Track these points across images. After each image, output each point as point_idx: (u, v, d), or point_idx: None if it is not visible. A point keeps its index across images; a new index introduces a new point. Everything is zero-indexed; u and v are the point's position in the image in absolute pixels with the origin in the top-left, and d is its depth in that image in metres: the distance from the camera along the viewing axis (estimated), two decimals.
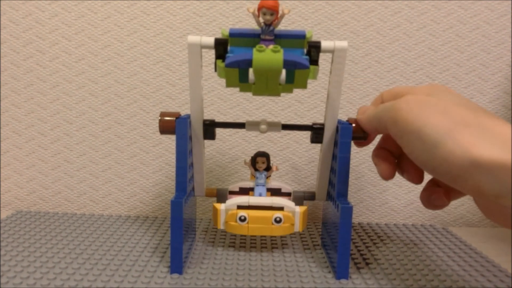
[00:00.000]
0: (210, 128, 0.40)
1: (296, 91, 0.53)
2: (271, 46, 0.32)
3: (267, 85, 0.32)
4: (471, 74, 0.53)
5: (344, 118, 0.40)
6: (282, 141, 0.54)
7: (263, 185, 0.41)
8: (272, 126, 0.39)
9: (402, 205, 0.55)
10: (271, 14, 0.32)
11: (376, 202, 0.55)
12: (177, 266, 0.36)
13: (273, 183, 0.42)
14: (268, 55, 0.31)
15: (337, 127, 0.38)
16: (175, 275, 0.36)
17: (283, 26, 0.50)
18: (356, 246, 0.45)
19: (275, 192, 0.42)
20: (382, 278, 0.37)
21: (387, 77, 0.53)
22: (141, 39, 0.52)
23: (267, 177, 0.42)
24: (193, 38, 0.35)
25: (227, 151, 0.54)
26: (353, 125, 0.37)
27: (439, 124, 0.27)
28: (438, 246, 0.45)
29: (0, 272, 0.35)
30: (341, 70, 0.36)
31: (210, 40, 0.35)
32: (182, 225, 0.35)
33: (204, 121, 0.39)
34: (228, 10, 0.52)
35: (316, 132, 0.39)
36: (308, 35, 0.34)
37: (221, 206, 0.40)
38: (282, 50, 0.32)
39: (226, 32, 0.34)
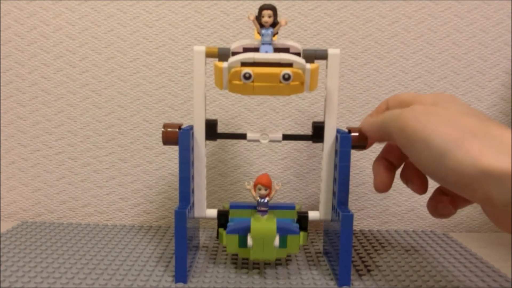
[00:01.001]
0: (212, 128, 0.40)
1: (296, 100, 0.53)
2: (265, 216, 0.38)
3: (263, 249, 0.37)
4: (469, 81, 0.54)
5: (343, 126, 0.40)
6: (283, 150, 0.54)
7: (270, 44, 0.37)
8: (273, 136, 0.40)
9: (402, 211, 0.55)
10: (265, 189, 0.38)
11: (377, 209, 0.55)
12: (181, 275, 0.37)
13: (281, 42, 0.38)
14: (263, 224, 0.37)
15: (336, 137, 0.39)
16: (180, 284, 0.37)
17: (283, 36, 0.51)
18: (358, 253, 0.45)
19: (283, 51, 0.38)
20: (384, 285, 0.38)
21: (385, 86, 0.54)
22: (143, 51, 0.53)
23: (274, 34, 0.37)
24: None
25: (229, 161, 0.54)
26: (357, 134, 0.38)
27: (447, 133, 0.27)
28: (439, 252, 0.46)
29: (5, 283, 0.36)
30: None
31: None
32: (186, 234, 0.36)
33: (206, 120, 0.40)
34: (229, 22, 0.53)
35: (317, 131, 0.40)
36: (297, 208, 0.41)
37: (223, 64, 0.36)
38: (275, 220, 0.37)
39: (227, 205, 0.42)
